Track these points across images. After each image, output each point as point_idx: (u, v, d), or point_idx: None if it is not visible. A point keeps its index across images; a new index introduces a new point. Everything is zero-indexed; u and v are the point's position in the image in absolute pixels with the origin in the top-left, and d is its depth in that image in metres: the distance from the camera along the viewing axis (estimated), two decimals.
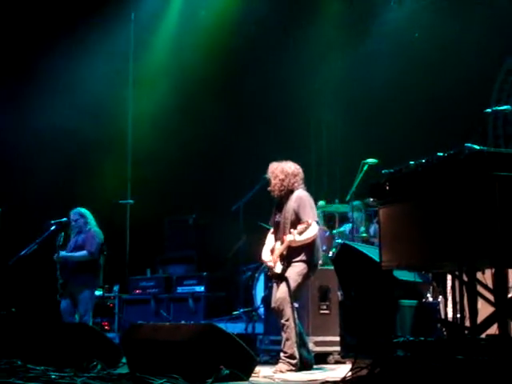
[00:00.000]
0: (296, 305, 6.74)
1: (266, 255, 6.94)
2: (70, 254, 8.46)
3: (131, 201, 10.24)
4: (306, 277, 6.73)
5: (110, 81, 11.68)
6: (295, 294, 6.67)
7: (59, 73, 11.39)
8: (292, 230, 6.59)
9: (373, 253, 6.29)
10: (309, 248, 6.72)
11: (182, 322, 9.19)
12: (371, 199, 8.33)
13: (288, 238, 6.60)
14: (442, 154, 4.65)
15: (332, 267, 7.56)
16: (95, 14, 11.38)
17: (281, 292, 6.64)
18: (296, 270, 6.67)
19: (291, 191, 6.84)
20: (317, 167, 12.71)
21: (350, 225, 9.11)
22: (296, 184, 6.87)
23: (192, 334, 5.47)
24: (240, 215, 8.91)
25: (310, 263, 6.74)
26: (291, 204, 6.78)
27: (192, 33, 12.13)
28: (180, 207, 11.78)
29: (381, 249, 5.21)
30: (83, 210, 8.71)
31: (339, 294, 7.61)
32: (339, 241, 8.53)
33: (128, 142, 12.53)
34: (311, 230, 6.63)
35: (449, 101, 9.68)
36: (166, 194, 11.93)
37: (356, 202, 9.01)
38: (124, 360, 6.12)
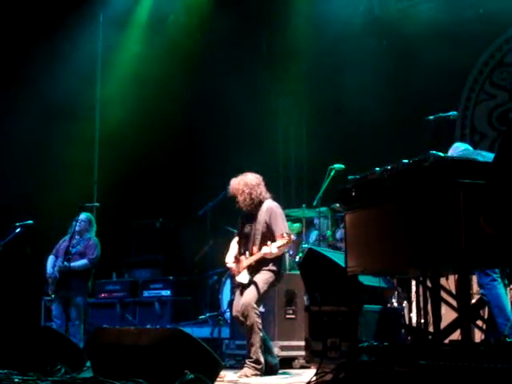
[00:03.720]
0: (262, 309, 6.76)
1: (229, 260, 6.96)
2: (76, 265, 8.40)
3: (97, 203, 10.16)
4: (271, 285, 6.76)
5: (77, 83, 11.59)
6: (260, 301, 6.68)
7: (24, 73, 11.30)
8: (270, 243, 6.56)
9: (338, 258, 6.32)
10: (278, 258, 6.74)
11: (148, 326, 9.17)
12: (338, 204, 8.44)
13: (264, 250, 6.57)
14: (407, 160, 4.69)
15: (298, 272, 7.59)
16: (64, 15, 11.33)
17: (246, 298, 6.64)
18: (263, 278, 6.68)
19: (260, 202, 6.85)
20: (284, 172, 12.77)
21: (317, 231, 9.15)
22: (263, 193, 6.87)
23: (157, 339, 5.45)
24: (207, 219, 8.91)
25: (278, 273, 6.78)
26: (262, 216, 6.78)
27: (160, 36, 12.10)
28: (147, 211, 11.73)
29: (346, 254, 5.24)
30: (93, 218, 8.76)
31: (305, 298, 7.63)
32: (305, 246, 8.57)
33: (95, 144, 12.46)
34: (284, 241, 6.64)
35: (414, 107, 9.77)
36: (133, 198, 11.87)
37: (322, 209, 9.06)
38: (88, 364, 6.08)
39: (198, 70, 11.88)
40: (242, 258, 6.83)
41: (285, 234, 6.59)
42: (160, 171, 12.04)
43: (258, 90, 11.95)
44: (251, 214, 6.88)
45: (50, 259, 8.63)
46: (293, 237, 6.65)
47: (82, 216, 8.65)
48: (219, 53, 12.04)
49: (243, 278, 6.73)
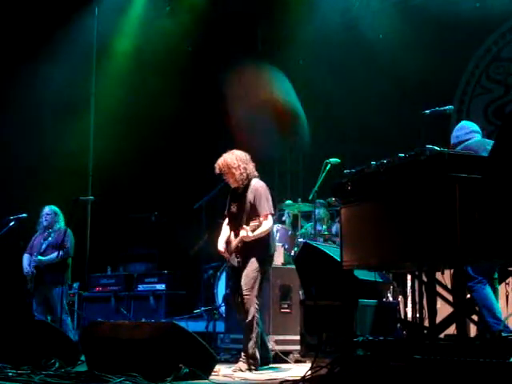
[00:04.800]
0: (258, 303, 6.73)
1: (221, 246, 6.87)
2: (48, 257, 8.35)
3: (92, 197, 10.14)
4: (263, 271, 6.68)
5: (72, 77, 11.56)
6: (258, 293, 6.64)
7: (19, 67, 11.26)
8: (245, 226, 6.51)
9: (334, 252, 6.31)
10: (264, 241, 6.66)
11: (143, 320, 9.16)
12: (333, 198, 8.42)
13: (241, 233, 6.54)
14: (403, 154, 4.68)
15: (293, 266, 7.58)
16: (59, 9, 11.30)
17: (245, 292, 6.59)
18: (253, 267, 6.61)
19: (250, 179, 6.77)
20: (280, 166, 12.76)
21: (312, 224, 9.14)
22: (253, 169, 6.81)
23: (152, 333, 5.44)
24: (202, 213, 8.89)
25: (266, 255, 6.70)
26: (248, 195, 6.70)
27: (155, 28, 12.07)
28: (142, 204, 11.71)
29: (342, 248, 5.23)
30: (57, 208, 8.65)
31: (300, 293, 7.63)
32: (301, 240, 8.56)
33: (90, 137, 12.43)
34: (267, 223, 6.59)
35: (411, 101, 9.76)
36: (128, 191, 11.85)
37: (319, 201, 9.04)
38: (83, 358, 6.07)
39: (193, 64, 11.86)
40: (231, 238, 6.79)
41: (261, 219, 6.55)
42: (155, 165, 12.01)
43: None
44: (238, 193, 6.81)
45: (25, 258, 8.60)
46: (261, 219, 6.55)
47: (46, 210, 8.64)
48: (214, 46, 12.02)
49: (233, 260, 6.70)
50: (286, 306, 7.80)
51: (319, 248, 6.67)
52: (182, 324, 6.47)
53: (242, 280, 6.61)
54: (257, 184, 6.76)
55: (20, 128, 11.13)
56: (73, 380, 5.24)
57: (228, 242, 6.82)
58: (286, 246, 8.70)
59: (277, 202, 9.19)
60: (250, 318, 6.55)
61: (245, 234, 6.50)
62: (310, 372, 4.84)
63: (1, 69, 11.24)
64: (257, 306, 6.57)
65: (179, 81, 11.73)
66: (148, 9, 12.27)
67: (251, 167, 6.79)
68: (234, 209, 6.82)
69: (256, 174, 6.83)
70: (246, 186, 6.75)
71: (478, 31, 10.18)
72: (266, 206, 6.64)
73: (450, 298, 5.04)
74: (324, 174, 8.45)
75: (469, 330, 6.01)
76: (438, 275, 5.27)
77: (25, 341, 6.17)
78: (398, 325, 6.53)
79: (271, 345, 7.35)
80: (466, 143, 6.10)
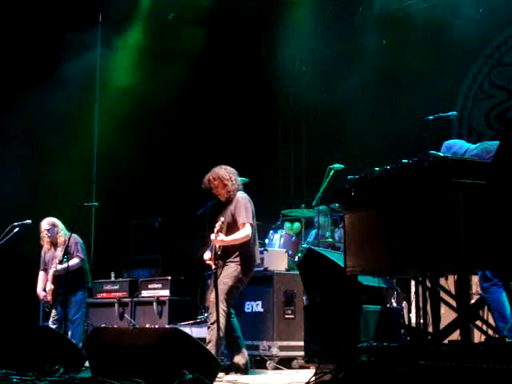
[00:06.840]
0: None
1: (206, 254, 6.96)
2: (67, 265, 8.19)
3: (96, 203, 10.15)
4: (238, 280, 6.73)
5: (76, 85, 11.58)
6: (226, 297, 6.66)
7: (24, 73, 11.30)
8: (215, 230, 6.64)
9: (338, 258, 6.31)
10: (243, 250, 6.76)
11: (147, 326, 9.15)
12: (337, 204, 8.42)
13: (211, 237, 6.68)
14: (406, 160, 4.68)
15: (297, 272, 7.58)
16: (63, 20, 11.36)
17: (212, 296, 6.65)
18: (227, 272, 6.70)
19: (238, 191, 6.94)
20: (283, 172, 12.75)
21: (316, 230, 9.13)
22: (239, 182, 6.99)
23: (156, 339, 5.44)
24: (206, 219, 8.89)
25: (243, 266, 6.76)
26: (231, 206, 6.86)
27: (160, 34, 12.10)
28: (146, 210, 11.72)
29: (345, 254, 5.23)
30: (55, 219, 8.62)
31: (304, 299, 7.63)
32: (305, 246, 8.56)
33: (94, 143, 12.45)
34: (243, 231, 6.69)
35: (413, 106, 9.77)
36: (132, 197, 11.86)
37: (322, 207, 9.03)
38: (87, 364, 6.07)
39: (197, 70, 11.87)
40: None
41: (247, 224, 6.67)
42: (159, 171, 12.02)
43: (257, 89, 11.93)
44: (225, 205, 6.94)
45: (41, 275, 8.55)
46: (247, 224, 6.70)
47: (44, 225, 8.53)
48: (217, 52, 12.03)
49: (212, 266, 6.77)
50: (289, 311, 7.81)
51: (323, 254, 6.67)
52: (186, 330, 6.46)
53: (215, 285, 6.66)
54: (239, 196, 6.92)
55: (24, 134, 11.16)
56: None
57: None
58: (290, 252, 8.70)
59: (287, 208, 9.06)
60: (211, 320, 6.59)
61: (213, 238, 6.62)
62: (314, 378, 4.84)
63: (12, 79, 11.30)
64: (222, 312, 6.58)
65: (183, 88, 11.75)
66: (152, 16, 12.32)
67: (238, 179, 6.98)
68: (219, 220, 6.90)
69: (241, 187, 7.01)
70: (233, 198, 6.88)
71: (480, 36, 10.19)
72: (243, 215, 6.76)
73: (453, 303, 5.04)
74: (328, 180, 8.46)
75: (472, 336, 6.00)
76: (442, 281, 5.28)
77: (29, 347, 6.17)
78: (402, 330, 6.53)
79: (275, 351, 7.37)
80: (471, 153, 6.04)
